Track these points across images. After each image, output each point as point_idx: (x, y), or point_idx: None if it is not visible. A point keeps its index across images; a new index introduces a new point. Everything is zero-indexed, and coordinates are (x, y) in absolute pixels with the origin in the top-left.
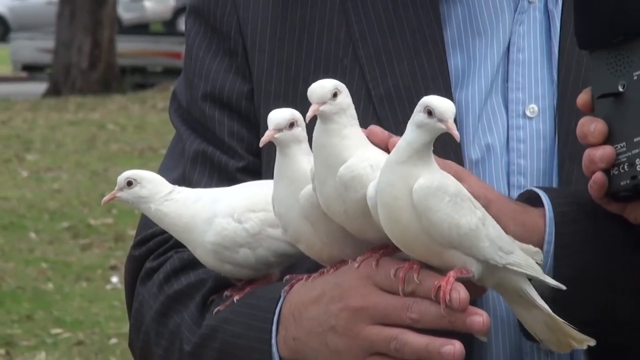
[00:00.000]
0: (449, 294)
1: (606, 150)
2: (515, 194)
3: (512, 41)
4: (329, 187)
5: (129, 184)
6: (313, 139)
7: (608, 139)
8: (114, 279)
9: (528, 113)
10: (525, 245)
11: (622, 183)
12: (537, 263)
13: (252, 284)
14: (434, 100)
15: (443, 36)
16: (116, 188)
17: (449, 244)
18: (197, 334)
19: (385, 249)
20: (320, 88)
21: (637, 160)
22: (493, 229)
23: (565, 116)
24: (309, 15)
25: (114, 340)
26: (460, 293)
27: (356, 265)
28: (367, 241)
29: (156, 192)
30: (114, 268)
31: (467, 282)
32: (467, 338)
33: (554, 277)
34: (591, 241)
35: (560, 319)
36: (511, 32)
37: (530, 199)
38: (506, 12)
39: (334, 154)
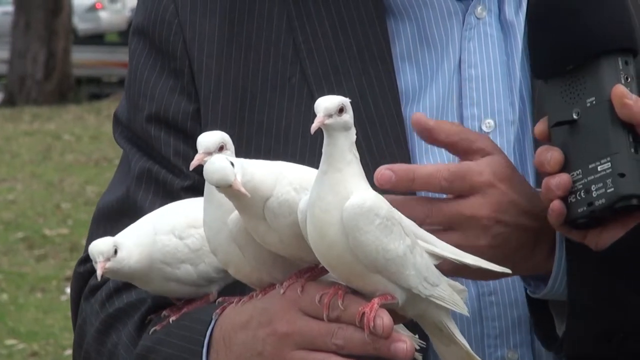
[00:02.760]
0: (372, 321)
1: (562, 178)
2: None
3: (463, 58)
4: (258, 224)
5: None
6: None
7: (565, 167)
8: (69, 290)
9: (484, 128)
10: (452, 282)
11: (579, 210)
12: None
13: (190, 303)
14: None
15: (391, 52)
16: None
17: (374, 268)
18: (132, 354)
19: (311, 272)
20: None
21: (593, 186)
22: (421, 258)
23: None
24: (255, 35)
25: (68, 352)
26: (384, 319)
27: (282, 291)
28: (301, 264)
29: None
30: (69, 279)
31: (389, 310)
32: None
33: (568, 293)
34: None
35: (478, 357)
36: (461, 49)
37: None
38: (455, 28)
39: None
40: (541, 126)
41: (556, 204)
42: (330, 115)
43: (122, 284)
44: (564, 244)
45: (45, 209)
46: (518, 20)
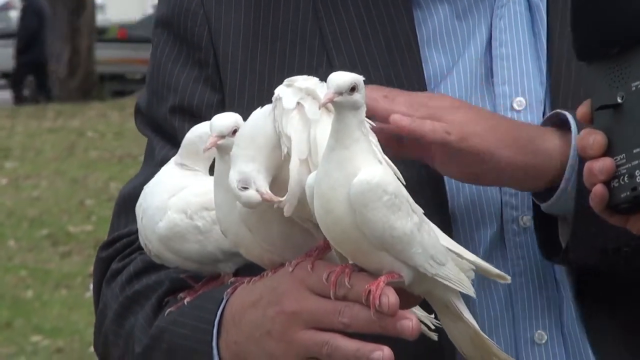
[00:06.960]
0: (378, 299)
1: (606, 162)
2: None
3: (494, 36)
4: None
5: None
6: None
7: (608, 151)
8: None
9: (515, 106)
10: (459, 260)
11: (622, 195)
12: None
13: (206, 285)
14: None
15: (418, 42)
16: None
17: (380, 245)
18: (147, 335)
19: (320, 249)
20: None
21: (637, 171)
22: (428, 236)
23: (559, 107)
24: (281, 24)
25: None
26: (390, 297)
27: (290, 269)
28: (313, 241)
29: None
30: None
31: (401, 291)
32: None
33: (574, 204)
34: None
35: (485, 336)
36: (491, 27)
37: (557, 123)
38: (487, 5)
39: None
40: (584, 109)
41: (599, 189)
42: (340, 93)
43: (143, 267)
44: (577, 159)
45: (70, 206)
46: (543, 2)
